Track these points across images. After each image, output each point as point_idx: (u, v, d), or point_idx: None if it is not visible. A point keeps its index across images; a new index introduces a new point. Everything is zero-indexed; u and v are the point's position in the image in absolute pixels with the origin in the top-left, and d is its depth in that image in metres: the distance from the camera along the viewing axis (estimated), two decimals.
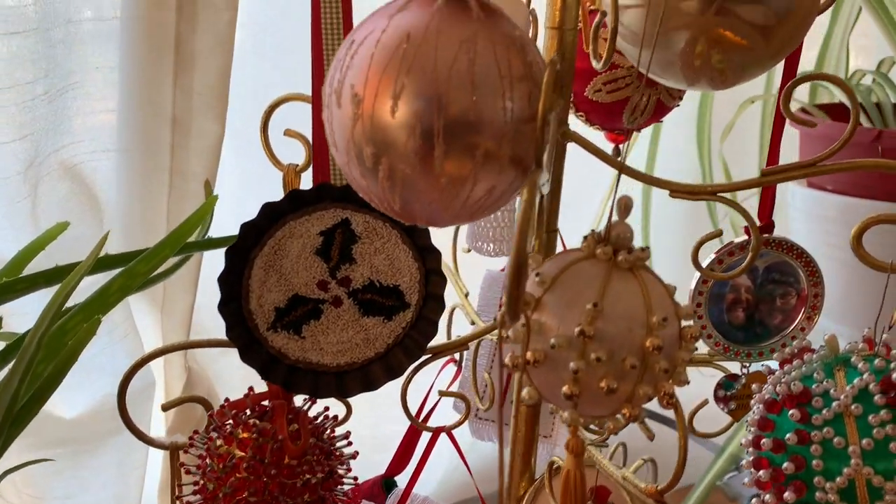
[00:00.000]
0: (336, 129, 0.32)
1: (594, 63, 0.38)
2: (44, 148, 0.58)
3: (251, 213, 0.41)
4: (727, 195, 0.39)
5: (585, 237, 0.32)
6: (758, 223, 0.45)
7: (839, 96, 0.81)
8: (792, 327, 0.47)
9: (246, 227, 0.41)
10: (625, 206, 0.32)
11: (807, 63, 0.90)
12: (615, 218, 0.32)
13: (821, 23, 0.88)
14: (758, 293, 0.46)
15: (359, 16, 0.34)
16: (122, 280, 0.42)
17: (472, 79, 0.30)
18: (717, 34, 0.34)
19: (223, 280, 0.41)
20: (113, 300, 0.42)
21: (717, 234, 0.41)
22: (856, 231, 0.38)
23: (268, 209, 0.41)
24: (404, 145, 0.30)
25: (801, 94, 0.88)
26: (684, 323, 0.31)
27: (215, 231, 0.55)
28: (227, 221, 0.61)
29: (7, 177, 0.55)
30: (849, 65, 0.86)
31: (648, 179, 0.40)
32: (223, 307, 0.42)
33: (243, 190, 0.74)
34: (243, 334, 0.42)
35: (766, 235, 0.45)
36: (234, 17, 0.64)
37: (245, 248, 0.42)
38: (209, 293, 0.56)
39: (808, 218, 0.71)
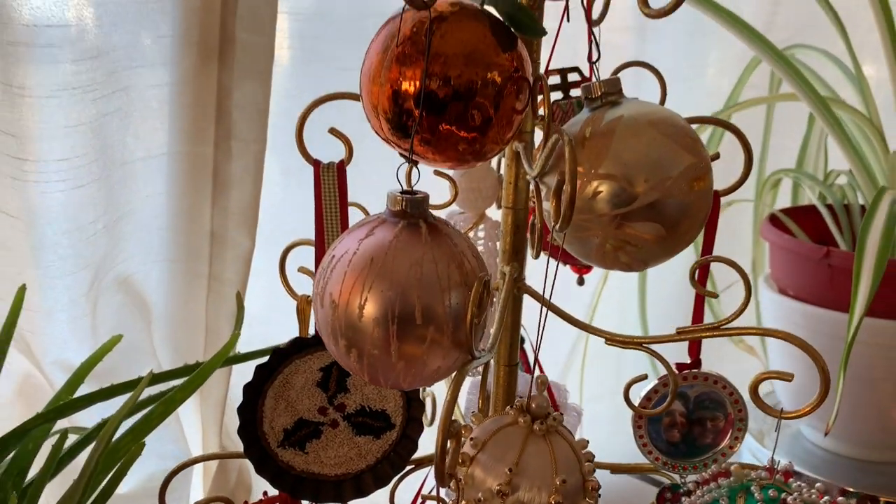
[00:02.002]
0: (321, 321, 0.41)
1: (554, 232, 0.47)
2: (103, 270, 0.69)
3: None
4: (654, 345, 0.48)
5: (513, 406, 0.41)
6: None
7: (812, 197, 0.88)
8: (721, 446, 0.55)
9: (260, 369, 0.51)
10: (542, 382, 0.41)
11: (789, 161, 0.97)
12: (534, 392, 0.41)
13: (800, 123, 0.95)
14: (690, 417, 0.54)
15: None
16: (163, 407, 0.52)
17: (419, 288, 0.39)
18: (620, 241, 0.42)
19: (241, 409, 0.51)
20: (154, 424, 0.52)
21: (642, 377, 0.49)
22: (751, 385, 0.46)
23: (278, 353, 0.51)
24: (369, 337, 0.39)
25: (786, 189, 0.95)
26: (588, 477, 0.40)
27: None
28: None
29: (73, 300, 0.66)
30: (827, 164, 0.93)
31: (583, 326, 0.49)
32: (242, 430, 0.52)
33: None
34: (258, 451, 0.52)
35: (695, 371, 0.53)
36: (262, 149, 0.75)
37: (259, 383, 0.51)
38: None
39: (776, 319, 0.78)
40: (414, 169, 0.42)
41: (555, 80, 0.54)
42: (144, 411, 0.53)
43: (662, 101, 0.50)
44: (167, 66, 0.69)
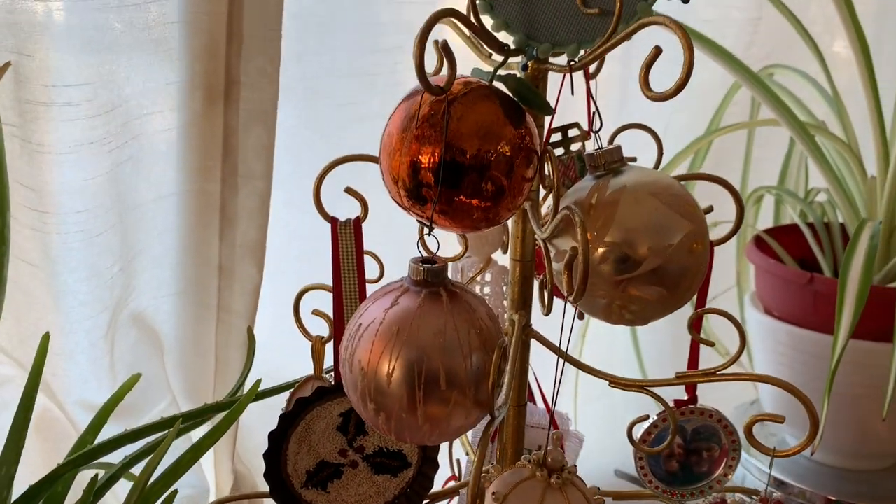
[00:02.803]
0: (349, 384, 0.44)
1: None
2: (118, 309, 0.72)
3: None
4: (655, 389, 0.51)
5: (529, 459, 0.44)
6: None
7: (793, 216, 0.92)
8: (716, 474, 0.58)
9: (284, 417, 0.54)
10: (557, 438, 0.44)
11: (772, 174, 1.01)
12: (550, 445, 0.44)
13: (783, 137, 0.99)
14: (687, 448, 0.58)
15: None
16: (191, 454, 0.55)
17: (443, 355, 0.42)
18: (625, 301, 0.46)
19: (267, 455, 0.54)
20: (183, 470, 0.55)
21: (644, 418, 0.53)
22: (745, 426, 0.50)
23: (301, 401, 0.54)
24: (398, 402, 0.43)
25: (767, 207, 0.99)
26: None
27: None
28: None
29: (93, 342, 0.68)
30: (808, 181, 0.97)
31: (587, 369, 0.53)
32: (268, 474, 0.55)
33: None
34: (283, 492, 0.55)
35: (692, 406, 0.57)
36: (268, 185, 0.77)
37: (283, 430, 0.54)
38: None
39: (762, 339, 0.82)
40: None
41: (556, 136, 0.57)
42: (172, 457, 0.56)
43: (658, 161, 0.53)
44: (175, 111, 0.71)
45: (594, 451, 0.96)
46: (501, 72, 0.47)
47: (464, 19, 0.43)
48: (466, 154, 0.44)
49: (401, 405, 0.42)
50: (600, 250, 0.45)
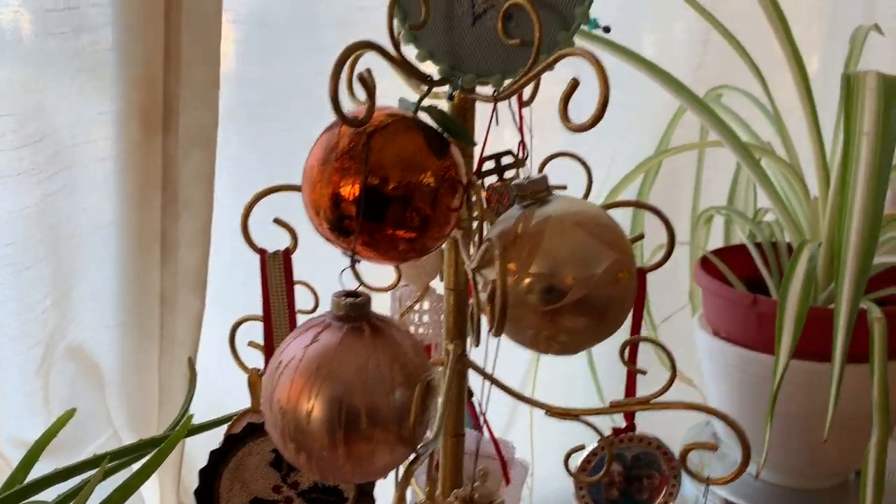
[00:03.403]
0: (269, 422, 0.43)
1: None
2: (53, 343, 0.70)
3: None
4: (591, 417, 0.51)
5: (457, 495, 0.44)
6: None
7: (742, 236, 0.93)
8: (657, 501, 0.58)
9: (214, 453, 0.53)
10: (484, 475, 0.43)
11: (719, 198, 1.02)
12: (477, 483, 0.43)
13: (732, 162, 0.99)
14: (628, 475, 0.58)
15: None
16: (120, 493, 0.54)
17: (364, 392, 0.41)
18: (553, 331, 0.45)
19: (198, 492, 0.53)
20: None
21: (580, 447, 0.53)
22: (680, 454, 0.50)
23: (231, 438, 0.53)
24: (318, 441, 0.42)
25: (718, 228, 1.00)
26: None
27: None
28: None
29: (24, 377, 0.66)
30: (756, 201, 0.98)
31: (524, 399, 0.52)
32: None
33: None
34: None
35: (631, 434, 0.57)
36: (209, 213, 0.76)
37: (213, 467, 0.53)
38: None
39: (711, 359, 0.82)
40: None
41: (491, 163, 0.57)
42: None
43: (587, 192, 0.53)
44: (110, 141, 0.70)
45: (551, 478, 0.96)
46: (429, 101, 0.47)
47: (381, 51, 0.43)
48: (388, 185, 0.43)
49: (321, 444, 0.41)
50: (526, 281, 0.44)
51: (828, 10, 1.13)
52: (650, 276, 0.97)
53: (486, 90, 0.49)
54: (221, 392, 0.79)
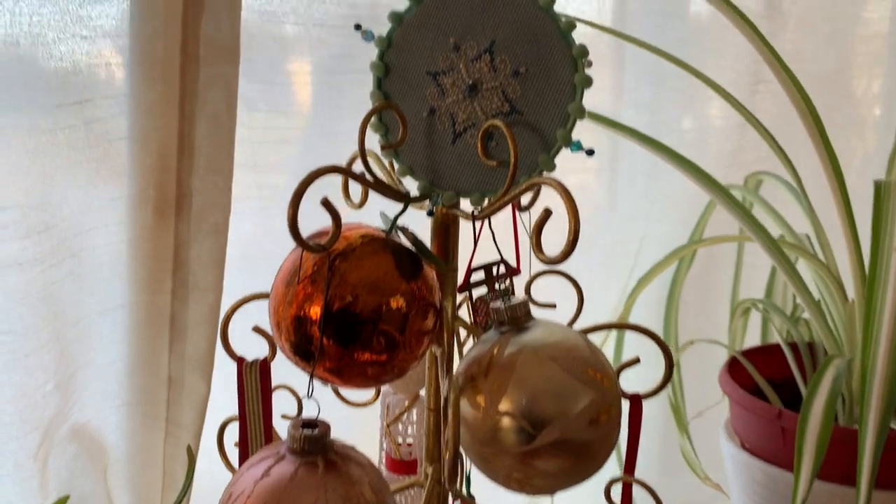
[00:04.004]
0: None
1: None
2: (54, 426, 0.70)
3: None
4: None
5: None
6: None
7: (777, 335, 0.88)
8: None
9: None
10: None
11: (757, 291, 0.97)
12: None
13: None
14: None
15: None
16: None
17: None
18: (527, 473, 0.42)
19: None
20: None
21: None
22: None
23: None
24: None
25: (754, 325, 0.95)
26: None
27: None
28: None
29: (19, 463, 0.66)
30: (795, 295, 0.93)
31: None
32: None
33: None
34: None
35: None
36: (218, 298, 0.76)
37: None
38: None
39: (738, 472, 0.77)
40: None
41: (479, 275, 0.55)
42: None
43: (577, 313, 0.50)
44: (121, 226, 0.70)
45: None
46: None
47: (348, 173, 0.42)
48: (354, 309, 0.42)
49: None
50: (495, 419, 0.42)
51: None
52: (685, 365, 0.93)
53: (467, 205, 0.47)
54: (223, 481, 0.77)
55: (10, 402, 0.64)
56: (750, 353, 0.84)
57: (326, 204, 0.40)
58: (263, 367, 0.52)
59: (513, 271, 0.54)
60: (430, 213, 0.47)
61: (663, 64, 0.82)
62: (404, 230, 0.45)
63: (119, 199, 0.70)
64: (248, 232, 0.78)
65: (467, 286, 0.51)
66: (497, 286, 0.53)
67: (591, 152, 0.43)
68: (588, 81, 0.43)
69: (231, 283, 0.76)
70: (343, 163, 0.49)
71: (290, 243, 0.79)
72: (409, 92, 0.46)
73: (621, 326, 0.50)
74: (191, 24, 0.69)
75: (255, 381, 0.52)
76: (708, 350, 0.91)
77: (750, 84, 0.97)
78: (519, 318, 0.45)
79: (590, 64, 0.43)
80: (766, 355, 0.85)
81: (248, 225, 0.78)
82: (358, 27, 0.47)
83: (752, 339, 0.95)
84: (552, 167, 0.43)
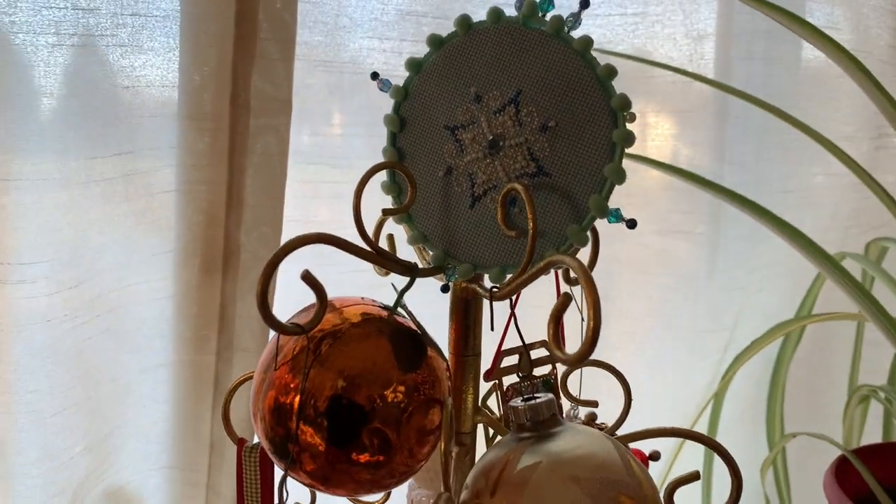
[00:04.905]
0: None
1: None
2: (84, 489, 0.67)
3: None
4: None
5: None
6: None
7: None
8: None
9: None
10: None
11: (879, 376, 0.83)
12: None
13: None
14: None
15: None
16: None
17: None
18: None
19: None
20: None
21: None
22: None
23: None
24: None
25: (875, 416, 0.81)
26: None
27: None
28: None
29: None
30: None
31: None
32: None
33: None
34: None
35: None
36: None
37: None
38: None
39: None
40: None
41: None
42: None
43: (624, 415, 0.42)
44: (166, 281, 0.68)
45: None
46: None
47: (337, 242, 0.36)
48: (342, 402, 0.35)
49: None
50: None
51: None
52: (792, 461, 0.80)
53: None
54: None
55: (35, 464, 0.62)
56: (865, 452, 0.71)
57: (308, 278, 0.34)
58: (263, 452, 0.47)
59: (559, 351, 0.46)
60: (444, 289, 0.40)
61: (769, 117, 0.73)
62: (410, 313, 0.38)
63: (161, 253, 0.67)
64: (298, 290, 0.74)
65: (495, 373, 0.43)
66: (532, 374, 0.45)
67: (632, 224, 0.35)
68: (629, 139, 0.35)
69: None
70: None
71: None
72: (425, 148, 0.40)
73: (680, 434, 0.41)
74: (241, 73, 0.66)
75: (253, 466, 0.47)
76: (819, 444, 0.78)
77: (872, 138, 0.85)
78: (543, 423, 0.37)
79: (633, 117, 0.36)
80: (885, 455, 0.72)
81: (299, 283, 0.74)
82: (375, 76, 0.41)
83: (873, 434, 0.81)
84: (584, 241, 0.36)
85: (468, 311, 0.41)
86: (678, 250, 0.80)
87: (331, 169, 0.73)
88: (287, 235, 0.70)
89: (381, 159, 0.75)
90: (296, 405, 0.35)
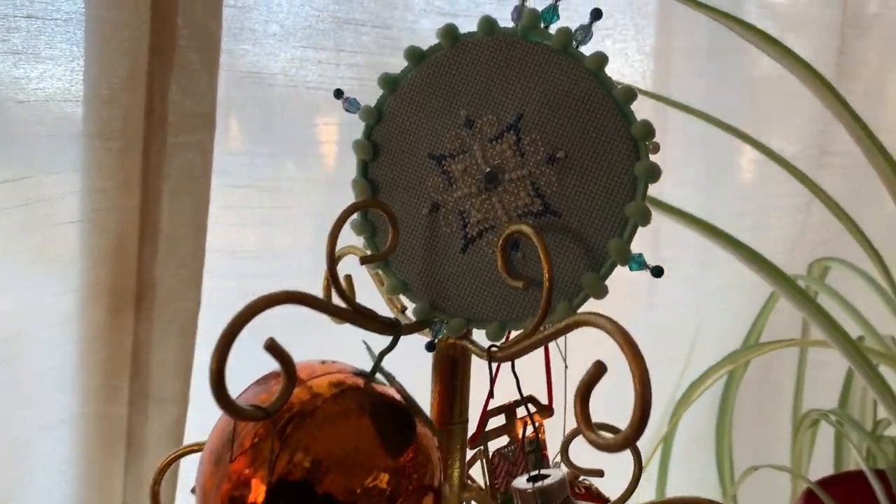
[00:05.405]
0: None
1: None
2: None
3: None
4: None
5: None
6: None
7: (857, 456, 0.73)
8: None
9: None
10: None
11: (831, 396, 0.82)
12: None
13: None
14: None
15: None
16: None
17: None
18: None
19: None
20: None
21: None
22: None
23: None
24: None
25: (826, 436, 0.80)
26: None
27: None
28: None
29: None
30: (877, 408, 0.78)
31: None
32: None
33: None
34: None
35: None
36: (184, 411, 0.63)
37: None
38: None
39: None
40: None
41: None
42: None
43: (633, 485, 0.36)
44: (72, 323, 0.59)
45: None
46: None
47: (310, 301, 0.29)
48: (316, 493, 0.29)
49: None
50: None
51: None
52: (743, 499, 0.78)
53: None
54: None
55: None
56: (829, 484, 0.69)
57: (273, 349, 0.27)
58: None
59: (543, 412, 0.41)
60: (429, 347, 0.34)
61: (715, 134, 0.70)
62: (391, 379, 0.32)
63: (64, 293, 0.58)
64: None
65: (481, 439, 0.38)
66: (523, 436, 0.40)
67: (658, 272, 0.30)
68: (655, 173, 0.30)
69: (201, 393, 0.63)
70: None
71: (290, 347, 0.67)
72: (405, 181, 0.33)
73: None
74: (157, 85, 0.58)
75: None
76: (769, 474, 0.76)
77: (815, 156, 0.84)
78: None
79: (657, 148, 0.31)
80: (843, 485, 0.70)
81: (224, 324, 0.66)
82: (339, 94, 0.35)
83: (821, 459, 0.80)
84: (602, 292, 0.31)
85: (455, 372, 0.35)
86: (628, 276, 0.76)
87: (259, 193, 0.65)
88: (210, 268, 0.62)
89: (316, 183, 0.69)
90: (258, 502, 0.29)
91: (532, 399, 0.41)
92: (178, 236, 0.61)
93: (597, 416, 0.27)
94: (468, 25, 0.78)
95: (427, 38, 0.73)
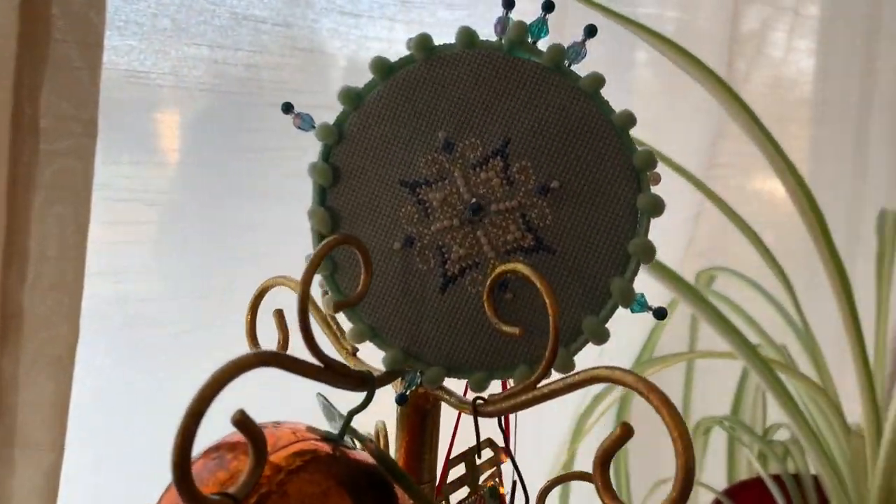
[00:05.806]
0: None
1: None
2: None
3: None
4: None
5: None
6: None
7: (751, 458, 0.75)
8: None
9: None
10: None
11: (721, 403, 0.85)
12: None
13: (730, 370, 0.83)
14: None
15: None
16: None
17: None
18: None
19: None
20: None
21: None
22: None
23: None
24: None
25: (719, 442, 0.82)
26: None
27: None
28: None
29: None
30: (766, 414, 0.81)
31: None
32: None
33: None
34: None
35: None
36: (59, 459, 0.55)
37: None
38: None
39: None
40: None
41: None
42: None
43: None
44: None
45: None
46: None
47: (285, 363, 0.24)
48: None
49: None
50: None
51: None
52: None
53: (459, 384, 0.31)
54: None
55: None
56: (734, 492, 0.71)
57: (241, 423, 0.22)
58: None
59: (501, 456, 0.38)
60: (400, 400, 0.30)
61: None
62: (364, 442, 0.28)
63: None
64: (105, 367, 0.58)
65: (443, 493, 0.34)
66: (480, 482, 0.36)
67: (661, 314, 0.28)
68: (658, 207, 0.28)
69: (79, 439, 0.55)
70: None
71: (181, 384, 0.60)
72: (372, 211, 0.29)
73: None
74: (27, 85, 0.50)
75: None
76: (666, 487, 0.77)
77: (705, 168, 0.86)
78: None
79: (657, 179, 0.29)
80: (745, 492, 0.72)
81: (106, 359, 0.58)
82: (288, 108, 0.30)
83: (712, 467, 0.82)
84: (604, 337, 0.28)
85: (424, 425, 0.31)
86: None
87: (147, 207, 0.58)
88: (90, 293, 0.55)
89: (213, 196, 0.63)
90: None
91: (490, 442, 0.38)
92: (52, 258, 0.53)
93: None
94: (370, 27, 0.72)
95: (326, 39, 0.68)
